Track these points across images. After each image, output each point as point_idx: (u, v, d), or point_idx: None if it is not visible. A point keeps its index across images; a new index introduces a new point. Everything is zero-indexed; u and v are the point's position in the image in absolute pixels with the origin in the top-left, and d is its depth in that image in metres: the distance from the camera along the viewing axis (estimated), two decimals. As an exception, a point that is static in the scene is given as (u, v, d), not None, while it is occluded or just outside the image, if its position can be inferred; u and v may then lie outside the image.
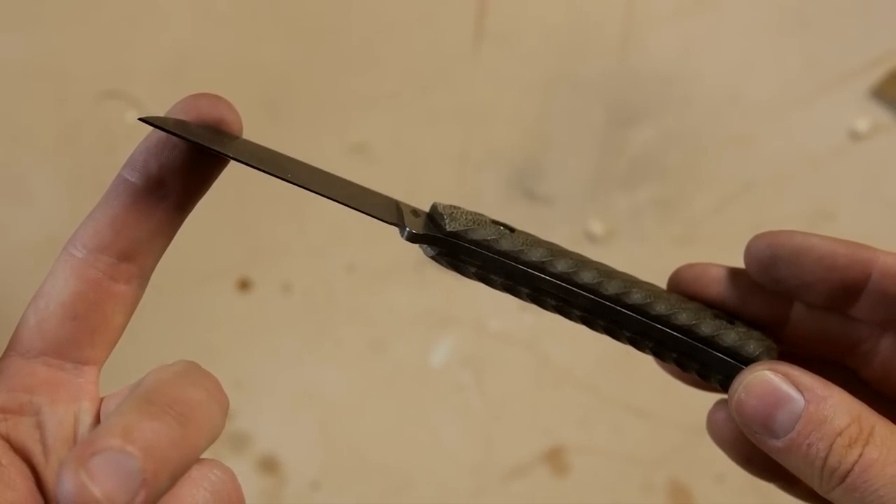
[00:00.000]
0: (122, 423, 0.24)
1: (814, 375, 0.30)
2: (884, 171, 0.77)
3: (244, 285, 0.71)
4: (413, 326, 0.71)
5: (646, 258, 0.72)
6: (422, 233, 0.32)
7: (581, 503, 0.67)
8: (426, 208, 0.34)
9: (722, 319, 0.33)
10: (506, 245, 0.32)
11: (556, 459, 0.68)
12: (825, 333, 0.33)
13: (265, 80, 0.75)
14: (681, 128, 0.77)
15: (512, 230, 0.33)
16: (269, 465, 0.67)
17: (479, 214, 0.33)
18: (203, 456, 0.28)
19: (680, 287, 0.34)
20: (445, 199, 0.35)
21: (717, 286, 0.34)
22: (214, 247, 0.71)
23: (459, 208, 0.33)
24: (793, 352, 0.34)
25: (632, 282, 0.33)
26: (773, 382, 0.30)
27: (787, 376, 0.30)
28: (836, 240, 0.32)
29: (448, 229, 0.32)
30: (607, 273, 0.33)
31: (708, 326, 0.32)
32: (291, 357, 0.70)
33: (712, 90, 0.79)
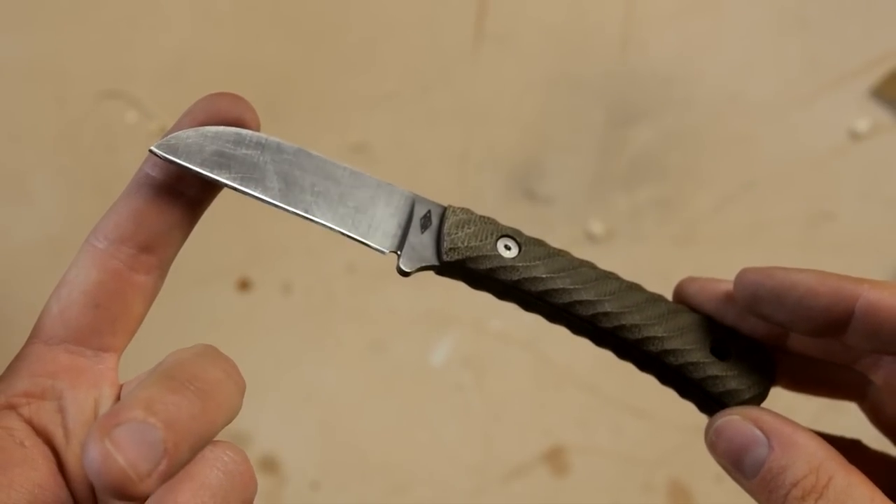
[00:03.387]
0: (144, 396, 0.25)
1: (784, 421, 0.30)
2: (884, 171, 0.77)
3: (244, 285, 0.71)
4: (413, 326, 0.71)
5: (646, 258, 0.72)
6: (412, 271, 0.32)
7: (581, 503, 0.67)
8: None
9: (716, 357, 0.33)
10: (504, 276, 0.33)
11: (556, 459, 0.68)
12: (826, 349, 0.34)
13: (265, 80, 0.75)
14: (681, 128, 0.77)
15: (520, 245, 0.33)
16: (269, 465, 0.67)
17: (488, 226, 0.33)
18: None
19: (683, 299, 0.35)
20: (445, 200, 0.35)
21: (715, 303, 0.34)
22: (214, 247, 0.71)
23: (469, 221, 0.33)
24: (801, 356, 0.35)
25: (634, 307, 0.33)
26: (741, 427, 0.31)
27: (755, 421, 0.30)
28: (819, 276, 0.31)
29: (445, 259, 0.32)
30: (609, 299, 0.33)
31: (700, 369, 0.33)
32: (291, 357, 0.70)
33: (712, 90, 0.79)
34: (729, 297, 0.34)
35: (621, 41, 0.80)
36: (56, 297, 0.31)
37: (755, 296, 0.32)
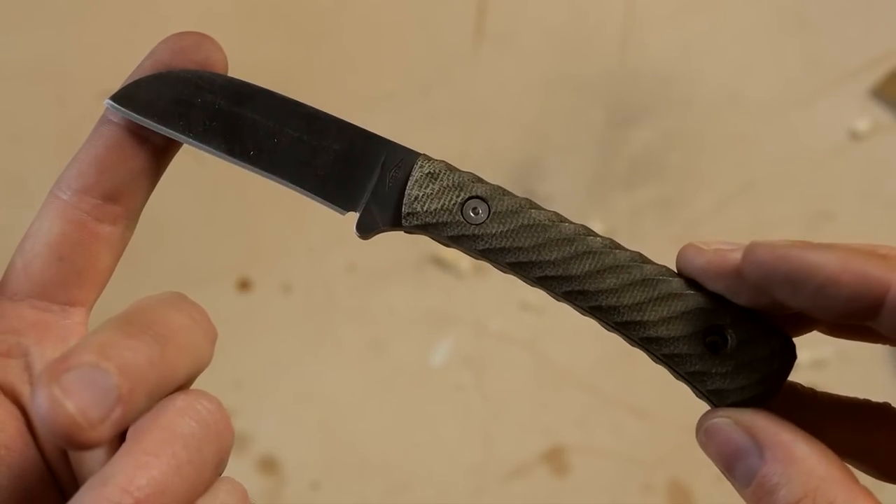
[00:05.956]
0: (98, 340, 0.24)
1: (782, 428, 0.27)
2: (884, 171, 0.77)
3: (244, 285, 0.71)
4: (413, 326, 0.71)
5: (646, 258, 0.72)
6: (369, 235, 0.30)
7: (581, 503, 0.67)
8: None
9: (709, 349, 0.29)
10: (467, 244, 0.29)
11: (556, 459, 0.68)
12: (851, 323, 0.29)
13: (265, 81, 0.75)
14: (681, 128, 0.77)
15: (490, 209, 0.29)
16: (269, 465, 0.67)
17: (458, 184, 0.29)
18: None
19: (688, 274, 0.30)
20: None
21: (725, 281, 0.29)
22: (214, 247, 0.71)
23: (438, 176, 0.29)
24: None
25: (619, 287, 0.29)
26: (731, 434, 0.27)
27: (749, 429, 0.27)
28: (842, 259, 0.26)
29: (404, 224, 0.29)
30: (587, 277, 0.29)
31: (687, 363, 0.29)
32: (291, 357, 0.70)
33: (712, 90, 0.79)
34: (741, 273, 0.28)
35: (621, 41, 0.80)
36: (20, 251, 0.30)
37: (767, 279, 0.27)
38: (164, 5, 0.78)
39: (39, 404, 0.22)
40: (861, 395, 0.32)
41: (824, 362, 0.68)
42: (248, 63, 0.76)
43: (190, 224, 0.71)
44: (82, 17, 0.77)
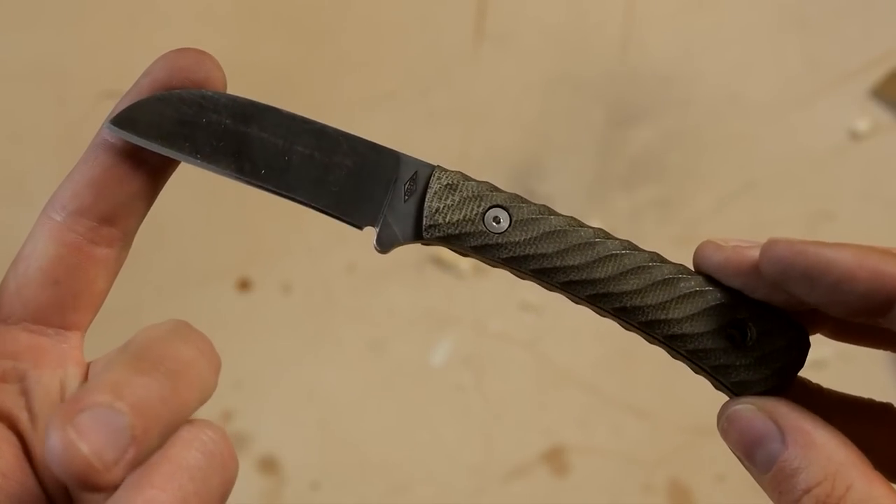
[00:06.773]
0: (110, 379, 0.23)
1: (803, 415, 0.28)
2: (884, 171, 0.77)
3: (244, 285, 0.71)
4: (413, 326, 0.71)
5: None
6: (389, 250, 0.30)
7: (581, 503, 0.67)
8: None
9: (731, 343, 0.30)
10: (490, 253, 0.30)
11: (556, 459, 0.68)
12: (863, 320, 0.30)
13: (265, 81, 0.75)
14: (681, 128, 0.77)
15: (511, 217, 0.30)
16: (269, 465, 0.67)
17: (478, 194, 0.30)
18: None
19: (705, 270, 0.31)
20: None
21: (744, 277, 0.29)
22: (214, 247, 0.71)
23: (456, 188, 0.30)
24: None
25: (641, 288, 0.30)
26: (753, 419, 0.28)
27: (771, 414, 0.28)
28: (857, 255, 0.27)
29: (425, 236, 0.30)
30: (611, 279, 0.30)
31: (710, 357, 0.30)
32: (291, 357, 0.70)
33: (712, 90, 0.79)
34: (758, 269, 0.29)
35: (621, 41, 0.80)
36: (13, 273, 0.29)
37: (784, 274, 0.28)
38: (163, 5, 0.78)
39: (53, 446, 0.22)
40: (862, 396, 0.33)
41: (824, 362, 0.68)
42: (248, 63, 0.76)
43: (190, 224, 0.71)
44: (82, 17, 0.77)
